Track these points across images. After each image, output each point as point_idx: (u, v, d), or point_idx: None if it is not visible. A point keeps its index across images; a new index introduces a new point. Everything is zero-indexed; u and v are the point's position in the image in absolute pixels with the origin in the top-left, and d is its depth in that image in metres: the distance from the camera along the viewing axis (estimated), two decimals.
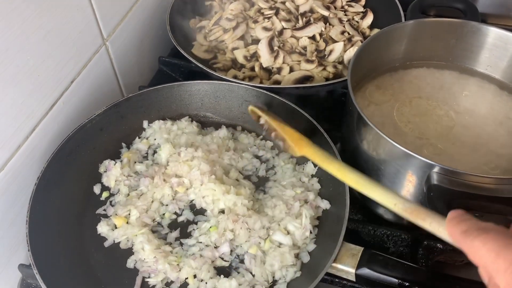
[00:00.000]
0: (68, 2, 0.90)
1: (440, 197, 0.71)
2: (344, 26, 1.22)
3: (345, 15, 1.27)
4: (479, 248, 0.49)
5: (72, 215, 0.89)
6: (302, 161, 0.97)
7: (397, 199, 0.67)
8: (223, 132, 1.02)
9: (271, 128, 0.91)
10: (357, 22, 1.26)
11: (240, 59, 1.16)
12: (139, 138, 1.04)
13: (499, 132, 0.91)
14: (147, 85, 1.25)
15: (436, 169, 0.73)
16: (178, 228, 0.88)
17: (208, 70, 1.06)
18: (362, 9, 1.29)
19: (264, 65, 1.13)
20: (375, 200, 0.70)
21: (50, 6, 0.85)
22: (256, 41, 1.18)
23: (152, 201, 0.91)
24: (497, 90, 0.99)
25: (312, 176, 0.94)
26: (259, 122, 0.94)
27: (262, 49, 1.15)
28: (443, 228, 0.58)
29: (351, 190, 0.84)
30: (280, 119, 0.91)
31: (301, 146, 0.86)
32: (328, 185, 0.91)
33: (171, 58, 1.24)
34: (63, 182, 0.90)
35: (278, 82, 1.10)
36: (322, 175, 0.93)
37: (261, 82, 1.11)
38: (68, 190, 0.90)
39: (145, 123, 1.04)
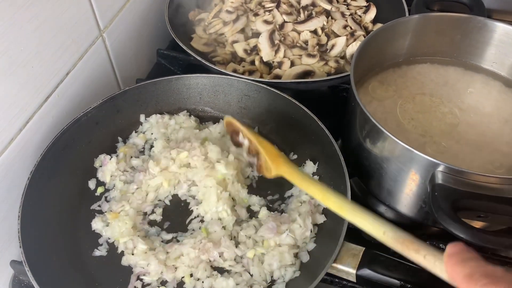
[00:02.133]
0: None
1: (445, 197, 0.69)
2: (346, 20, 1.20)
3: (348, 9, 1.25)
4: None
5: (66, 211, 0.87)
6: (301, 161, 0.95)
7: (387, 227, 0.61)
8: (220, 126, 1.00)
9: (247, 142, 0.84)
10: (360, 16, 1.24)
11: (240, 53, 1.14)
12: (135, 132, 1.01)
13: (504, 130, 0.89)
14: (145, 78, 1.23)
15: (441, 168, 0.71)
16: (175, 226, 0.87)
17: (207, 63, 1.04)
18: (365, 3, 1.27)
19: (265, 59, 1.11)
20: (361, 228, 0.65)
21: None
22: (257, 35, 1.16)
23: (147, 194, 0.90)
24: (502, 87, 0.97)
25: (313, 174, 0.92)
26: (232, 137, 0.89)
27: (263, 43, 1.12)
28: (440, 263, 0.52)
29: (352, 188, 0.83)
30: (257, 134, 0.84)
31: (279, 164, 0.78)
32: (329, 183, 0.88)
33: (170, 51, 1.22)
34: (57, 177, 0.88)
35: (278, 77, 1.08)
36: (323, 173, 0.91)
37: (261, 77, 1.09)
38: (62, 185, 0.88)
39: (142, 117, 1.02)
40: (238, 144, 0.88)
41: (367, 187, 0.91)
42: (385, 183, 0.85)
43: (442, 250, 0.53)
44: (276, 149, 0.81)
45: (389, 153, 0.79)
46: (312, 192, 0.73)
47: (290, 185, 0.91)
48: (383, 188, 0.86)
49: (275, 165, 0.78)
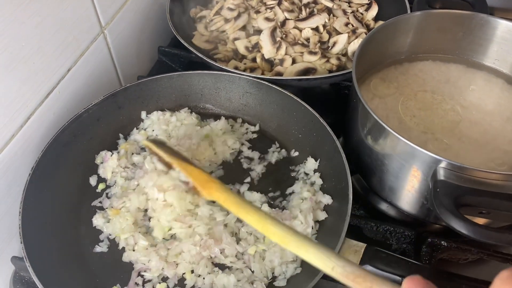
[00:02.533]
0: None
1: (447, 193, 0.69)
2: (348, 18, 1.20)
3: (349, 6, 1.25)
4: None
5: (67, 207, 0.87)
6: (302, 158, 0.95)
7: (335, 261, 0.55)
8: (221, 123, 1.00)
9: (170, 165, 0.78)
10: (362, 14, 1.24)
11: (242, 50, 1.14)
12: (137, 129, 1.01)
13: (506, 128, 0.89)
14: (146, 75, 1.23)
15: (443, 164, 0.71)
16: None
17: (208, 60, 1.03)
18: (366, 1, 1.26)
19: (266, 56, 1.11)
20: (307, 260, 0.59)
21: None
22: (258, 32, 1.16)
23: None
24: (505, 85, 0.97)
25: (314, 171, 0.92)
26: (157, 158, 0.80)
27: (264, 40, 1.12)
28: None
29: (354, 185, 0.82)
30: (183, 156, 0.78)
31: (210, 189, 0.72)
32: (331, 180, 0.88)
33: (171, 48, 1.22)
34: (58, 173, 0.88)
35: (280, 74, 1.08)
36: (324, 170, 0.91)
37: (262, 74, 1.09)
38: (63, 182, 0.88)
39: (143, 114, 1.02)
40: (166, 164, 0.80)
41: (369, 184, 0.91)
42: (386, 180, 0.84)
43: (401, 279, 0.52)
44: (205, 174, 0.75)
45: (390, 150, 0.79)
46: (249, 220, 0.66)
47: (291, 182, 0.92)
48: (384, 185, 0.86)
49: (206, 192, 0.73)
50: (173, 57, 1.21)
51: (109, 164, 0.92)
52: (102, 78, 1.07)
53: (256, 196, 0.88)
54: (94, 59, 1.02)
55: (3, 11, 0.75)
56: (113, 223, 0.84)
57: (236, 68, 1.08)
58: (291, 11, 1.20)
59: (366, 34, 1.14)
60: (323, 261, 0.57)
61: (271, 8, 1.20)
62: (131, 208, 0.85)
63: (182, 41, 1.07)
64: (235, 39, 1.16)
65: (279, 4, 1.20)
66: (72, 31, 0.93)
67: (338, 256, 0.57)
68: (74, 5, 0.91)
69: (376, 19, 1.23)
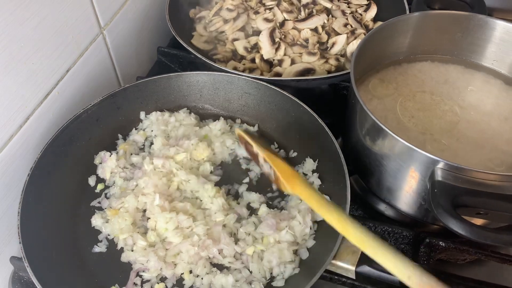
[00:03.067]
0: None
1: (444, 194, 0.69)
2: (347, 19, 1.20)
3: (348, 7, 1.25)
4: None
5: (66, 207, 0.87)
6: (300, 159, 0.95)
7: (413, 271, 0.56)
8: (220, 124, 1.00)
9: (258, 156, 0.79)
10: (361, 14, 1.24)
11: (241, 51, 1.14)
12: (135, 129, 1.01)
13: (504, 128, 0.89)
14: (145, 75, 1.23)
15: (440, 165, 0.71)
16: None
17: (207, 61, 1.03)
18: (365, 2, 1.26)
19: (265, 57, 1.11)
20: (383, 266, 0.60)
21: None
22: (257, 32, 1.16)
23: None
24: (502, 85, 0.97)
25: (313, 171, 0.92)
26: (245, 148, 0.82)
27: (263, 41, 1.12)
28: None
29: (352, 186, 0.82)
30: (271, 149, 0.79)
31: (294, 185, 0.73)
32: (329, 180, 0.89)
33: (170, 48, 1.22)
34: (57, 174, 0.88)
35: (279, 75, 1.08)
36: (322, 171, 0.91)
37: (261, 74, 1.09)
38: (62, 182, 0.88)
39: (142, 114, 1.02)
40: (252, 155, 0.83)
41: (367, 185, 0.91)
42: (385, 181, 0.85)
43: None
44: (291, 168, 0.76)
45: (389, 151, 0.79)
46: (329, 219, 0.67)
47: None
48: (383, 185, 0.86)
49: (290, 186, 0.74)
50: (172, 58, 1.22)
51: (108, 165, 0.92)
52: (101, 79, 1.07)
53: (254, 197, 0.89)
54: (93, 60, 1.03)
55: (2, 12, 0.75)
56: (111, 223, 0.84)
57: (235, 68, 1.09)
58: (290, 11, 1.20)
59: (365, 34, 1.14)
60: (400, 269, 0.57)
61: (270, 9, 1.20)
62: (130, 209, 0.86)
63: (181, 42, 1.07)
64: (234, 39, 1.16)
65: (278, 4, 1.21)
66: (71, 32, 0.93)
67: (416, 266, 0.57)
68: (73, 6, 0.92)
69: (375, 19, 1.24)
